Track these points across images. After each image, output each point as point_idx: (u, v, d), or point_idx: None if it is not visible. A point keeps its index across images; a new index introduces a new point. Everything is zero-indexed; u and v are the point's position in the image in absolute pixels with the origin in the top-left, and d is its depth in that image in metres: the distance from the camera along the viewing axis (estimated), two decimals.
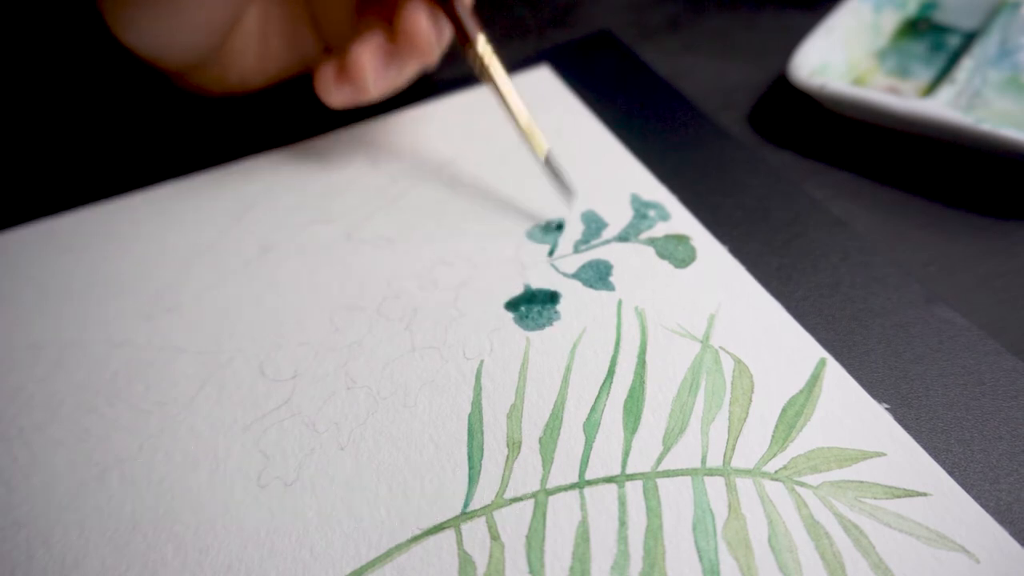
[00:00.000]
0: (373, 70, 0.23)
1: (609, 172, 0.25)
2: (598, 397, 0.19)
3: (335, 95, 0.24)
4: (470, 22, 0.23)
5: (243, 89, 0.28)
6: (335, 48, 0.28)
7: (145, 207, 0.26)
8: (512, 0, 0.36)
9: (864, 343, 0.19)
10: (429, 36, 0.23)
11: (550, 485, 0.17)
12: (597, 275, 0.22)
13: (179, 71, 0.26)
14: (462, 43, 0.23)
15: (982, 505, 0.16)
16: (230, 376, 0.20)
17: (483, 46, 0.23)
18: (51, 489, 0.18)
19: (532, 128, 0.23)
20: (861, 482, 0.16)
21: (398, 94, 0.30)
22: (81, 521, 0.18)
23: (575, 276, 0.22)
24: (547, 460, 0.18)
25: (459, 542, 0.16)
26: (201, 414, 0.20)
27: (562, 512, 0.17)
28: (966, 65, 0.26)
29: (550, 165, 0.23)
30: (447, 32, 0.24)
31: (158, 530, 0.17)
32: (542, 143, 0.23)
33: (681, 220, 0.23)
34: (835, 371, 0.19)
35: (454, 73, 0.32)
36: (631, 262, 0.22)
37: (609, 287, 0.21)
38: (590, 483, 0.17)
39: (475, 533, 0.16)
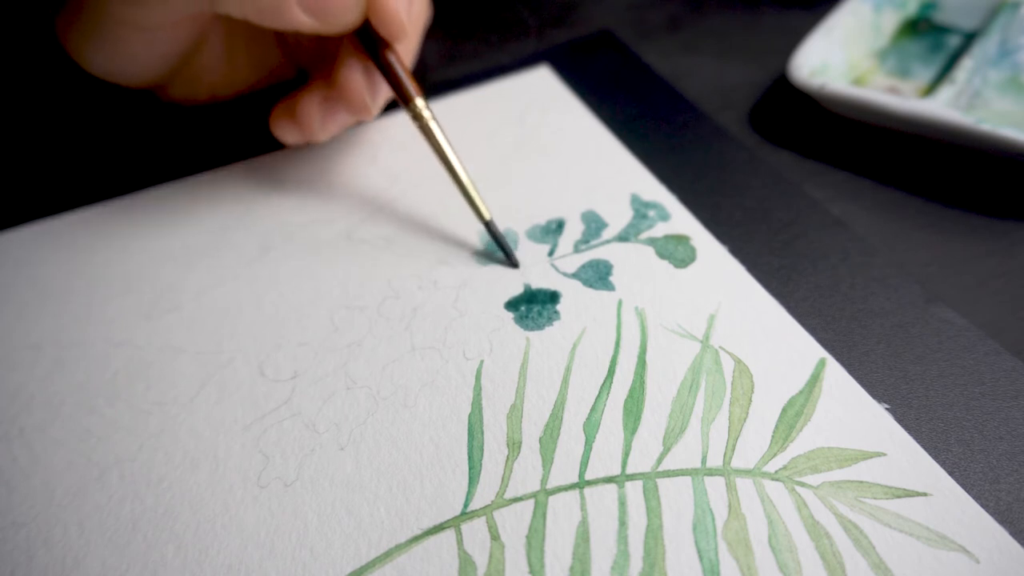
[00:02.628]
0: (320, 119, 0.24)
1: (609, 172, 0.25)
2: (598, 397, 0.19)
3: (288, 136, 0.25)
4: (407, 82, 0.23)
5: (214, 101, 0.28)
6: (307, 66, 0.28)
7: (145, 207, 0.26)
8: (512, 0, 0.36)
9: (864, 343, 0.19)
10: (362, 94, 0.23)
11: (550, 485, 0.17)
12: (597, 275, 0.22)
13: (147, 89, 0.27)
14: (401, 103, 0.23)
15: (982, 505, 0.16)
16: (230, 376, 0.20)
17: (422, 107, 0.22)
18: (51, 489, 0.18)
19: (474, 190, 0.22)
20: (861, 482, 0.16)
21: None
22: (81, 521, 0.18)
23: (575, 276, 0.22)
24: (547, 460, 0.18)
25: (459, 542, 0.16)
26: (201, 414, 0.20)
27: (562, 512, 0.17)
28: (966, 65, 0.26)
29: (491, 230, 0.22)
30: (384, 89, 0.24)
31: (158, 530, 0.17)
32: (485, 207, 0.22)
33: (681, 220, 0.23)
34: (835, 371, 0.19)
35: (454, 73, 0.32)
36: (631, 262, 0.22)
37: (609, 287, 0.21)
38: (590, 483, 0.17)
39: (475, 533, 0.16)
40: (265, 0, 0.21)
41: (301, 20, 0.21)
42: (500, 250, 0.23)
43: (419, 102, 0.23)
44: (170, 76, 0.26)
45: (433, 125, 0.22)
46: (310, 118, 0.24)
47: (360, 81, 0.23)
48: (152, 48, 0.23)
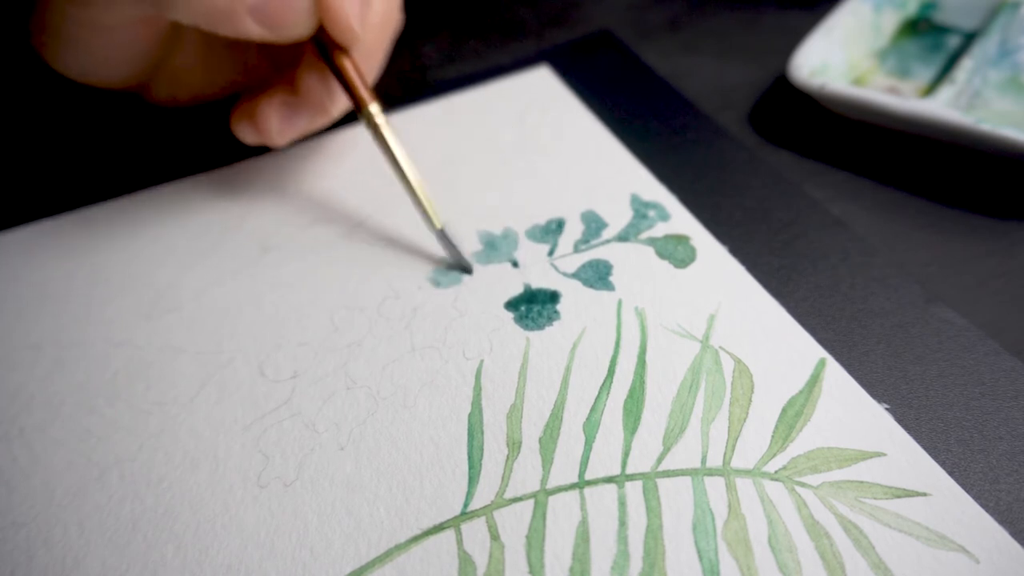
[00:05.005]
0: (278, 122, 0.24)
1: (609, 172, 0.25)
2: (598, 397, 0.19)
3: (246, 136, 0.25)
4: (360, 87, 0.23)
5: (198, 102, 0.28)
6: (283, 65, 0.28)
7: (145, 207, 0.26)
8: (512, 0, 0.36)
9: (864, 343, 0.19)
10: (319, 96, 0.24)
11: (550, 485, 0.17)
12: (597, 275, 0.22)
13: (128, 90, 0.27)
14: (355, 108, 0.23)
15: (982, 505, 0.16)
16: (230, 376, 0.20)
17: (376, 112, 0.22)
18: (51, 489, 0.18)
19: (427, 197, 0.22)
20: (861, 482, 0.16)
21: (395, 94, 0.30)
22: (81, 521, 0.18)
23: (575, 276, 0.22)
24: (547, 460, 0.18)
25: (459, 542, 0.16)
26: (201, 414, 0.20)
27: (562, 512, 0.17)
28: (966, 65, 0.26)
29: (445, 239, 0.22)
30: (343, 94, 0.24)
31: (158, 530, 0.17)
32: (438, 214, 0.22)
33: (681, 220, 0.23)
34: (835, 371, 0.19)
35: (454, 73, 0.32)
36: (631, 262, 0.22)
37: (609, 287, 0.21)
38: (590, 483, 0.17)
39: (475, 533, 0.16)
40: (215, 9, 0.20)
41: (252, 29, 0.21)
42: (454, 259, 0.23)
43: (373, 108, 0.22)
44: (148, 77, 0.26)
45: (387, 132, 0.22)
46: (268, 121, 0.24)
47: (318, 85, 0.23)
48: (116, 49, 0.23)
